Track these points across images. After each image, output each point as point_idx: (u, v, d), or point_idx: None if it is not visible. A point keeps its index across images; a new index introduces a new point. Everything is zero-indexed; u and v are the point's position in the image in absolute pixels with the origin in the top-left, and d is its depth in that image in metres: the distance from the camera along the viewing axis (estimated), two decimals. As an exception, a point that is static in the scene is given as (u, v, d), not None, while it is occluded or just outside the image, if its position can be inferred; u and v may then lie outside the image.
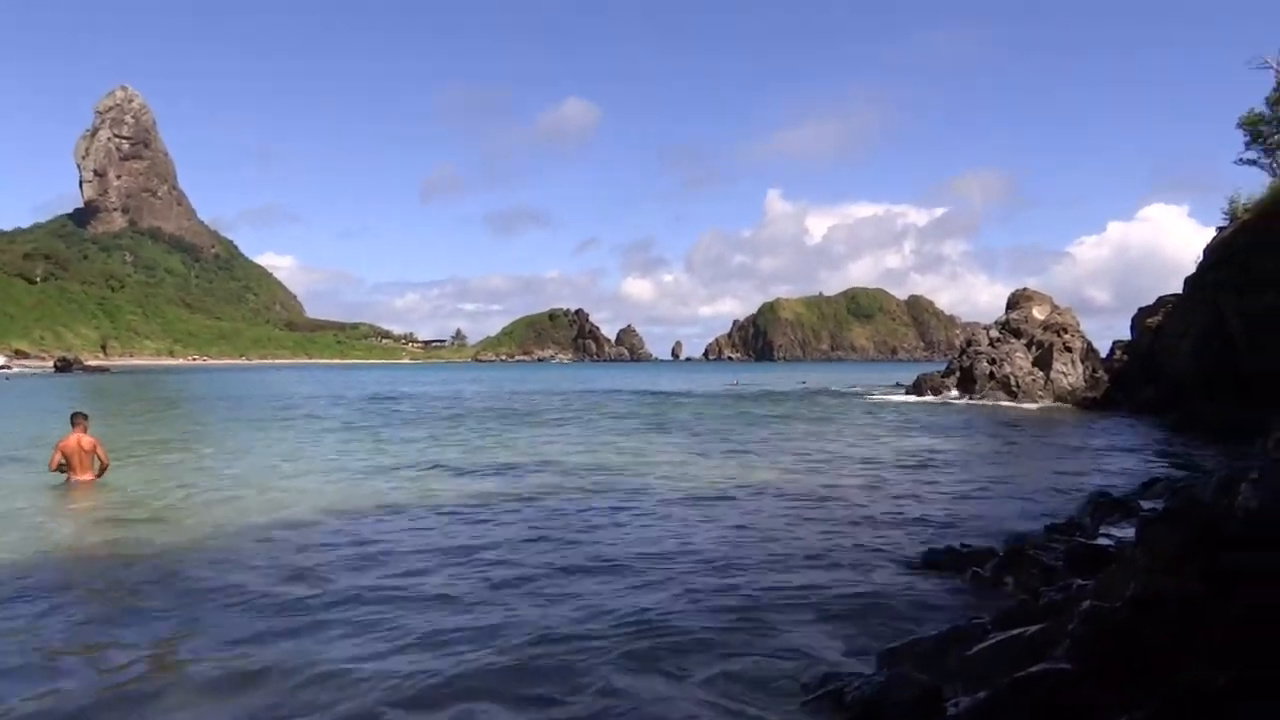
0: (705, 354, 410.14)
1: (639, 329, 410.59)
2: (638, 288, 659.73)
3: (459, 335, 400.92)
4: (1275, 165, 44.00)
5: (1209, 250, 42.12)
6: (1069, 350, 54.92)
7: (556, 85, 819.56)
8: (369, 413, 43.51)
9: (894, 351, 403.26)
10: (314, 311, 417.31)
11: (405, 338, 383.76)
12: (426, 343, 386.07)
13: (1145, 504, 14.23)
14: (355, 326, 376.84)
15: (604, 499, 16.53)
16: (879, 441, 29.02)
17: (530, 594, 10.09)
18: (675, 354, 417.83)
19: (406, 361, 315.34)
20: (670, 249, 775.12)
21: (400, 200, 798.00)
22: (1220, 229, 43.33)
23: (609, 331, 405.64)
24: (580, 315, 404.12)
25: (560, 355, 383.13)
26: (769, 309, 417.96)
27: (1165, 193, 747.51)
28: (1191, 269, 43.89)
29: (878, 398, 61.69)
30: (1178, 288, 47.10)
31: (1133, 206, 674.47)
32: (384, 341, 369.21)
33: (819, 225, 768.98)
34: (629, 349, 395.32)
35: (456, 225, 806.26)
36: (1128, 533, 11.72)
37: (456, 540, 12.69)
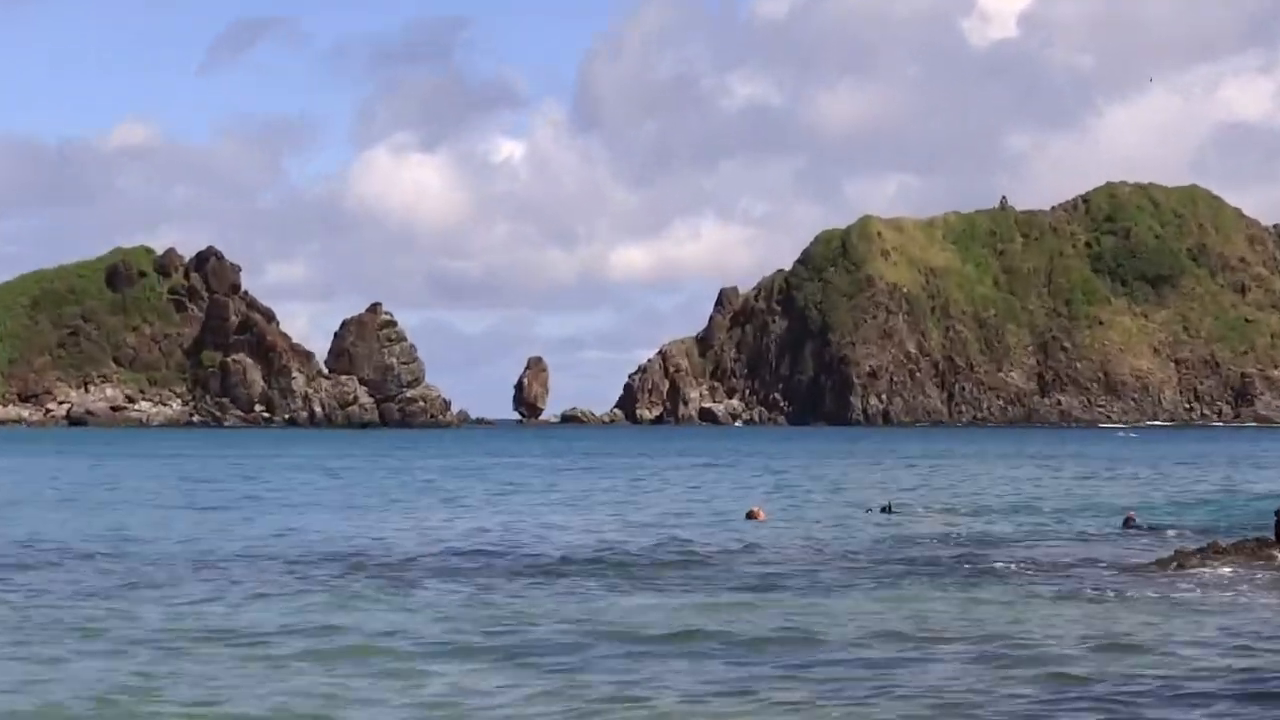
0: (627, 401, 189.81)
1: (410, 322, 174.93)
2: (401, 176, 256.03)
3: None
4: None
5: None
6: None
7: None
8: None
9: (1242, 395, 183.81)
10: None
11: None
12: None
13: None
14: None
15: None
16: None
17: None
18: (530, 404, 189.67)
19: None
20: (523, 55, 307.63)
21: None
22: None
23: (311, 334, 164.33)
24: (214, 266, 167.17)
25: (148, 405, 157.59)
26: (842, 247, 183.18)
27: None
28: None
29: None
30: None
31: None
32: None
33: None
34: (410, 389, 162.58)
35: None
36: None
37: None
